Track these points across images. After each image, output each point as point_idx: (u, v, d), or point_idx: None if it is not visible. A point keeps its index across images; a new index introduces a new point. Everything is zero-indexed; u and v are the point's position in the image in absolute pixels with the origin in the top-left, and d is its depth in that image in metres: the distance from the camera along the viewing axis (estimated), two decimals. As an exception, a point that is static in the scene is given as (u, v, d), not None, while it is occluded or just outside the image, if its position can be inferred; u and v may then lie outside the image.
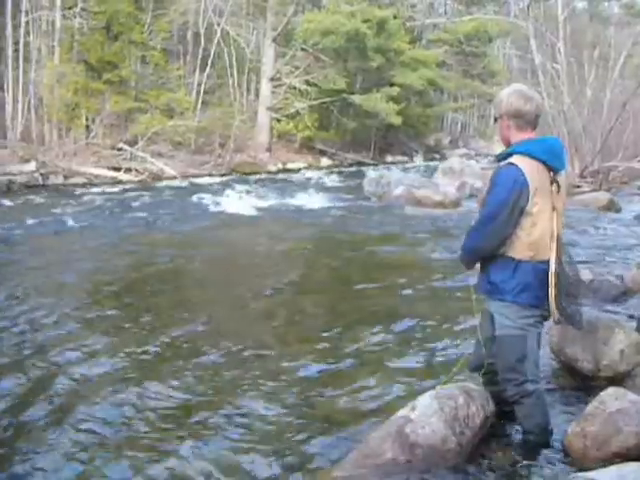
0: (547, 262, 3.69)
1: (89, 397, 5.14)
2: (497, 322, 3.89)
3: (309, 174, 28.19)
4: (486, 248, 3.81)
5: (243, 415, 4.85)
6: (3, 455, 4.30)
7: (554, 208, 3.73)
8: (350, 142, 35.38)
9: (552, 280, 3.67)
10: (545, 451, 3.92)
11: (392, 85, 33.75)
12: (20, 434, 4.57)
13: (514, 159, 3.70)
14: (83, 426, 4.66)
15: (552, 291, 3.67)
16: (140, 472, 4.09)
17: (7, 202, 16.76)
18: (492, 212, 3.72)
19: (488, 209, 3.77)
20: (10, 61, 22.62)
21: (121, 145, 24.63)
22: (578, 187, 17.86)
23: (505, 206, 3.66)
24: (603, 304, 6.76)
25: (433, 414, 3.85)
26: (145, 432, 4.62)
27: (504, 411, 4.23)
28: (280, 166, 30.27)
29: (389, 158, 36.97)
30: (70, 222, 13.88)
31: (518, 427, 4.18)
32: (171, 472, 4.09)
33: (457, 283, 8.08)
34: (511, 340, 3.81)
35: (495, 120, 3.96)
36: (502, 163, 3.78)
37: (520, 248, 3.72)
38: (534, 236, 3.70)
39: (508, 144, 3.89)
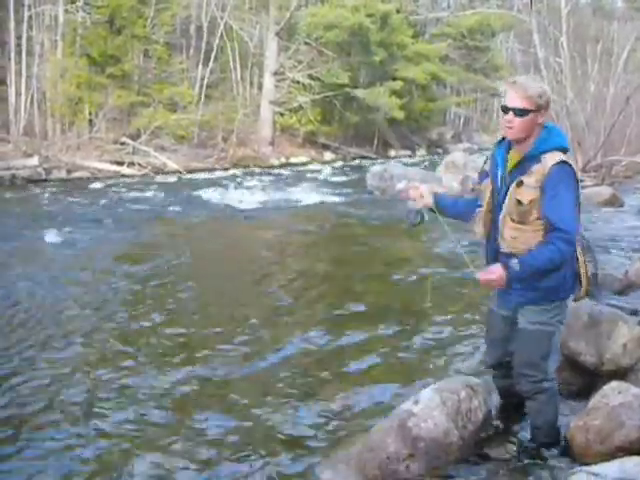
0: None
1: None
2: (525, 320, 3.72)
3: (312, 168, 28.20)
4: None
5: (242, 408, 4.88)
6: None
7: None
8: (353, 136, 35.35)
9: (582, 260, 3.66)
10: (548, 445, 3.91)
11: (395, 79, 33.75)
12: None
13: (562, 156, 3.51)
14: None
15: (584, 271, 3.65)
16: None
17: (10, 196, 16.80)
18: (576, 217, 3.51)
19: (572, 216, 3.48)
20: (13, 55, 22.62)
21: (124, 139, 24.64)
22: (581, 181, 17.77)
23: (578, 207, 3.53)
24: (606, 298, 6.75)
25: (435, 407, 3.85)
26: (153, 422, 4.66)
27: (508, 406, 4.23)
28: (283, 160, 30.24)
29: (392, 152, 36.86)
30: (74, 216, 13.90)
31: (522, 422, 4.19)
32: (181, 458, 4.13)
33: (459, 276, 8.08)
34: (538, 337, 3.70)
35: (524, 113, 3.52)
36: (552, 163, 3.47)
37: None
38: None
39: (524, 139, 3.58)
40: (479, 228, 3.85)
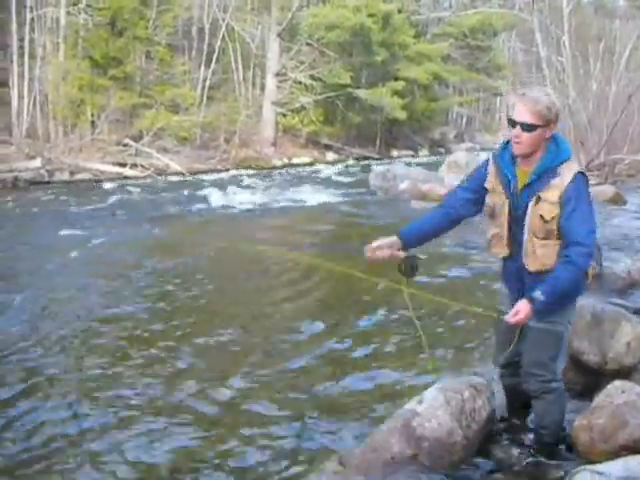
0: None
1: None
2: (537, 319, 3.54)
3: (315, 169, 28.22)
4: None
5: (248, 408, 4.89)
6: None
7: None
8: (355, 136, 35.33)
9: None
10: (552, 444, 3.91)
11: (397, 79, 33.76)
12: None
13: (577, 167, 3.50)
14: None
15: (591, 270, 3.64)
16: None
17: (14, 199, 16.83)
18: (594, 229, 3.45)
19: (590, 228, 3.42)
20: (15, 58, 22.62)
21: (126, 141, 24.65)
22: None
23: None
24: (609, 296, 6.75)
25: (439, 407, 3.85)
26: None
27: (514, 405, 4.22)
28: (285, 161, 30.20)
29: (394, 152, 36.85)
30: (81, 218, 13.95)
31: (527, 421, 4.18)
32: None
33: (461, 275, 8.07)
34: (549, 337, 3.64)
35: (532, 129, 3.43)
36: (570, 175, 3.42)
37: None
38: None
39: (531, 154, 3.50)
40: (502, 249, 3.73)
